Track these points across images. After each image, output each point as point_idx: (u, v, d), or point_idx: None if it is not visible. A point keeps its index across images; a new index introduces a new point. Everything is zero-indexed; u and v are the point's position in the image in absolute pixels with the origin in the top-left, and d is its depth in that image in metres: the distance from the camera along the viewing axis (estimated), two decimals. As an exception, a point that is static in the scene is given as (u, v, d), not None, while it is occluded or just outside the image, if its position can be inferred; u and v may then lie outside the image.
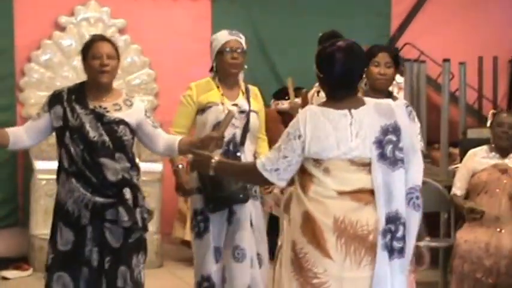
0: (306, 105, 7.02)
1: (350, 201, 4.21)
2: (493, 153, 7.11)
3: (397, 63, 5.73)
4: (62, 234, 5.49)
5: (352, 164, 4.23)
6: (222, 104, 6.16)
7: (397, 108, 4.34)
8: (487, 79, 10.48)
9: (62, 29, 9.34)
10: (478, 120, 10.14)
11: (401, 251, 4.22)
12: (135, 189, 5.57)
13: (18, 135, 5.52)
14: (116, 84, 5.72)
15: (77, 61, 9.04)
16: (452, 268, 6.84)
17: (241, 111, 6.19)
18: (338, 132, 4.22)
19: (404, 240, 4.23)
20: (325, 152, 4.21)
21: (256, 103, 6.35)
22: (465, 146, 8.29)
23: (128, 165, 5.55)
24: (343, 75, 4.30)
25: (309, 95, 7.81)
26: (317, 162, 4.24)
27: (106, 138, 5.45)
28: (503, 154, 7.08)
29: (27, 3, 9.20)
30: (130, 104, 5.61)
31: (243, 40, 6.25)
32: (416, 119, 5.60)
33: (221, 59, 6.19)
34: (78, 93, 5.57)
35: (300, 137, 4.23)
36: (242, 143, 6.18)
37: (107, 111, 5.50)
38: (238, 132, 6.16)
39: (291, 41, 9.94)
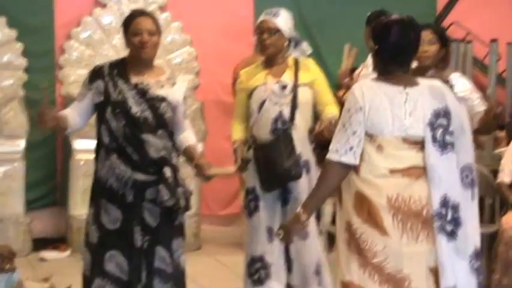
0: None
1: (401, 178, 4.29)
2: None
3: (444, 40, 5.80)
4: (109, 212, 5.45)
5: (404, 141, 4.30)
6: (265, 83, 6.17)
7: (447, 92, 4.40)
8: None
9: (103, 6, 9.25)
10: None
11: (452, 234, 4.28)
12: (175, 169, 5.52)
13: (73, 118, 5.50)
14: (156, 63, 5.63)
15: (117, 39, 9.08)
16: (497, 255, 6.74)
17: (284, 87, 6.16)
18: (393, 108, 4.27)
19: (456, 223, 4.28)
20: (380, 125, 4.28)
21: (309, 75, 6.27)
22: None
23: (169, 143, 5.51)
24: (398, 47, 4.37)
25: (355, 74, 7.73)
26: (371, 138, 4.30)
27: (149, 114, 5.41)
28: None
29: (68, -19, 9.10)
30: (173, 83, 5.56)
31: (278, 19, 6.18)
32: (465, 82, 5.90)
33: (257, 40, 6.26)
34: (120, 68, 5.53)
35: (361, 108, 4.27)
36: (291, 119, 6.15)
37: (149, 88, 5.46)
38: (286, 109, 6.13)
39: (336, 20, 9.83)
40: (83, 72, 8.97)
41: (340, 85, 8.28)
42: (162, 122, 5.47)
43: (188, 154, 5.63)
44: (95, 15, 9.20)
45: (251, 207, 6.24)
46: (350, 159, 4.28)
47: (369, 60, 7.31)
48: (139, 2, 9.16)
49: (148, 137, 5.41)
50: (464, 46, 9.24)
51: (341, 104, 6.98)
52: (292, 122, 6.14)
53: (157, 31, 5.52)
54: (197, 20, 9.40)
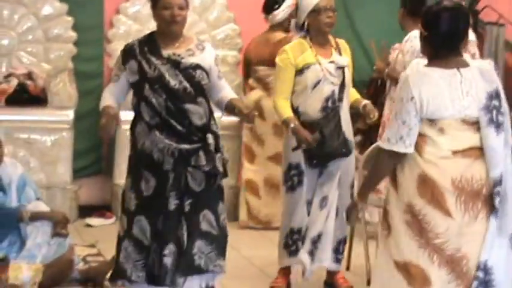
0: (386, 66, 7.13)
1: (462, 158, 4.35)
2: None
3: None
4: (148, 180, 5.59)
5: (463, 123, 4.38)
6: (319, 63, 6.20)
7: (495, 72, 4.48)
8: None
9: (152, -20, 9.31)
10: None
11: (498, 212, 4.35)
12: (216, 135, 5.64)
13: (114, 103, 5.62)
14: (186, 33, 5.76)
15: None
16: None
17: (339, 67, 6.24)
18: (451, 90, 4.34)
19: (503, 200, 4.35)
20: (440, 110, 4.35)
21: (347, 56, 6.39)
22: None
23: (208, 109, 5.62)
24: (448, 34, 4.42)
25: (391, 58, 7.78)
26: (432, 122, 4.37)
27: (186, 84, 5.52)
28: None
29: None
30: (202, 48, 5.66)
31: None
32: None
33: (315, 18, 6.22)
34: (150, 44, 5.61)
35: (412, 98, 4.33)
36: (340, 98, 6.25)
37: (182, 58, 5.54)
38: (337, 89, 6.22)
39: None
40: (130, 46, 9.22)
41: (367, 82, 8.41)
42: (200, 89, 5.58)
43: (231, 106, 5.68)
44: (144, -11, 9.33)
45: (294, 182, 6.27)
46: (400, 148, 4.36)
47: (405, 46, 7.40)
48: (190, -23, 9.30)
49: (190, 106, 5.51)
50: (497, 29, 9.25)
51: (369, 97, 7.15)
52: (341, 102, 6.24)
53: (186, 5, 5.57)
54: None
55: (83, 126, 9.02)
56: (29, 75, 8.74)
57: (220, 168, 5.64)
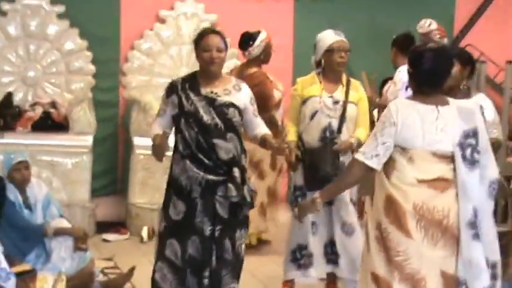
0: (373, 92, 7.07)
1: (427, 188, 4.30)
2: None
3: (464, 60, 5.64)
4: (176, 205, 5.49)
5: (434, 155, 4.31)
6: (320, 96, 6.16)
7: (477, 112, 4.41)
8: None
9: (162, 21, 9.30)
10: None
11: (478, 236, 4.27)
12: (243, 169, 5.53)
13: (157, 131, 5.49)
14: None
15: (174, 50, 9.19)
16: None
17: (336, 102, 6.15)
18: (425, 125, 4.29)
19: (481, 230, 4.28)
20: (412, 140, 4.29)
21: (357, 95, 6.28)
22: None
23: (238, 145, 5.51)
24: (431, 72, 4.36)
25: (384, 90, 7.74)
26: (404, 150, 4.32)
27: (218, 120, 5.41)
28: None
29: (133, 0, 9.19)
30: (239, 89, 5.55)
31: (346, 41, 6.24)
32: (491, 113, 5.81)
33: (329, 57, 6.18)
34: (192, 82, 5.53)
35: (394, 124, 4.29)
36: (339, 130, 6.15)
37: (218, 96, 5.45)
38: (335, 122, 6.13)
39: (365, 39, 9.66)
40: (143, 79, 9.15)
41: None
42: (231, 125, 5.46)
43: (264, 140, 5.57)
44: (155, 29, 9.26)
45: (299, 202, 6.09)
46: (373, 164, 4.34)
47: (396, 77, 7.34)
48: (193, 19, 9.21)
49: (218, 141, 5.41)
50: (479, 66, 9.20)
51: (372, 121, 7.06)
52: (339, 133, 6.14)
53: (224, 48, 5.51)
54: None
55: (101, 151, 8.98)
56: (53, 104, 8.70)
57: (248, 199, 5.55)
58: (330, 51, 6.16)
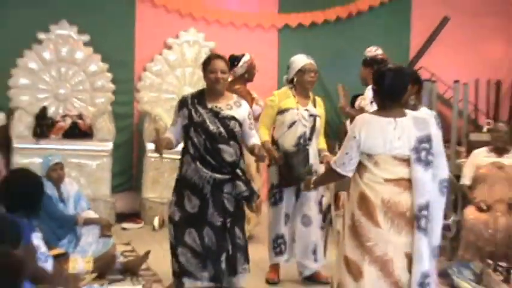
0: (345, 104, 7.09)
1: (393, 186, 4.32)
2: (492, 153, 6.98)
3: (415, 80, 5.61)
4: (190, 200, 5.50)
5: (394, 159, 4.33)
6: (297, 108, 6.14)
7: (431, 121, 4.43)
8: (481, 96, 10.34)
9: (169, 47, 9.29)
10: (474, 126, 9.93)
11: (427, 230, 4.28)
12: (243, 171, 5.58)
13: (174, 140, 5.58)
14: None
15: (179, 71, 9.19)
16: (461, 237, 6.68)
17: (311, 115, 6.17)
18: (384, 134, 4.31)
19: (430, 222, 4.29)
20: (374, 148, 4.31)
21: (320, 110, 6.32)
22: (469, 145, 8.37)
23: (238, 151, 5.55)
24: (391, 89, 4.38)
25: (356, 104, 7.69)
26: (369, 156, 4.34)
27: (222, 129, 5.45)
28: (500, 154, 6.92)
29: (145, 30, 9.18)
30: (239, 105, 5.60)
31: (314, 64, 6.25)
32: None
33: (301, 76, 6.18)
34: (199, 98, 5.57)
35: (354, 137, 4.33)
36: (310, 138, 6.16)
37: (221, 110, 5.49)
38: (308, 131, 6.13)
39: (333, 61, 9.73)
40: (154, 95, 9.16)
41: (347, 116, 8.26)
42: (232, 134, 5.50)
43: (251, 149, 5.60)
44: (164, 54, 9.26)
45: (276, 198, 6.18)
46: (342, 171, 4.41)
47: (366, 93, 7.33)
48: (195, 46, 9.22)
49: (223, 146, 5.45)
50: (430, 85, 9.23)
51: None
52: (310, 141, 6.15)
53: (227, 70, 5.55)
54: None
55: (119, 154, 8.96)
56: (80, 116, 8.68)
57: (255, 194, 5.63)
58: (302, 71, 6.17)
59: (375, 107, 4.94)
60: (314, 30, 9.83)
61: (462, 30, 10.31)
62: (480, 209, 6.68)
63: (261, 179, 7.85)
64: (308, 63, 6.20)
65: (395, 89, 4.41)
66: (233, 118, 5.52)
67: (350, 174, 4.40)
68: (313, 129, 6.16)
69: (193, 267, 5.58)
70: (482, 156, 6.99)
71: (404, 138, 4.30)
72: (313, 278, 6.31)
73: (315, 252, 6.23)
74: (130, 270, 6.17)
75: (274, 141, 6.20)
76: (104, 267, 5.95)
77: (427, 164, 4.28)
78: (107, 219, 6.72)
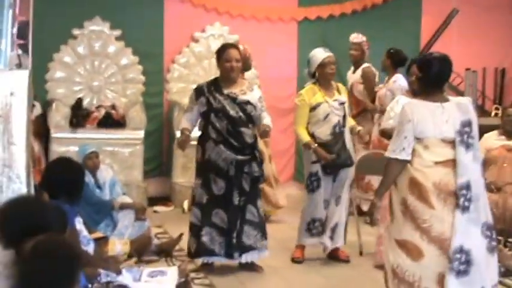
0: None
1: (442, 168, 4.26)
2: (502, 136, 6.94)
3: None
4: (216, 182, 5.54)
5: (442, 141, 4.29)
6: (326, 102, 6.09)
7: (470, 106, 4.38)
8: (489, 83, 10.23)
9: (196, 40, 9.26)
10: (481, 112, 9.84)
11: (467, 208, 4.20)
12: (260, 152, 5.68)
13: (190, 126, 5.66)
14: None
15: (205, 63, 9.17)
16: None
17: (341, 103, 6.13)
18: (434, 118, 4.27)
19: (471, 200, 4.21)
20: (425, 132, 4.27)
21: (345, 95, 6.29)
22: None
23: (255, 132, 5.59)
24: (438, 76, 4.35)
25: (380, 94, 7.70)
26: (419, 140, 4.29)
27: (241, 114, 5.53)
28: (509, 137, 6.88)
29: (173, 24, 9.14)
30: (251, 90, 5.68)
31: (333, 56, 6.21)
32: None
33: (322, 70, 6.13)
34: (215, 85, 5.62)
35: (410, 121, 4.26)
36: (344, 125, 6.15)
37: (237, 95, 5.55)
38: (341, 119, 6.11)
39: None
40: (182, 85, 9.14)
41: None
42: (250, 118, 5.58)
43: (258, 127, 5.67)
44: (191, 47, 9.23)
45: (314, 185, 6.12)
46: (403, 156, 4.29)
47: (394, 85, 7.35)
48: (220, 39, 9.16)
49: (243, 129, 5.52)
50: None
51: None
52: (344, 127, 6.14)
53: (240, 58, 5.61)
54: (259, 52, 8.88)
55: (150, 141, 8.97)
56: (113, 106, 8.69)
57: (264, 176, 5.76)
58: (322, 65, 6.11)
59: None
60: (331, 22, 9.75)
61: (470, 22, 10.19)
62: (490, 190, 6.64)
63: (269, 164, 7.77)
64: (327, 56, 6.15)
65: (442, 76, 4.39)
66: (249, 102, 5.57)
67: (410, 158, 4.29)
68: (345, 116, 6.16)
69: (217, 245, 5.64)
70: (492, 139, 6.93)
71: (451, 122, 4.27)
72: (335, 257, 6.32)
73: (333, 231, 6.21)
74: (164, 252, 6.17)
75: (310, 135, 6.11)
76: (140, 249, 5.97)
77: (468, 146, 4.25)
78: (141, 203, 6.75)
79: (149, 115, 8.86)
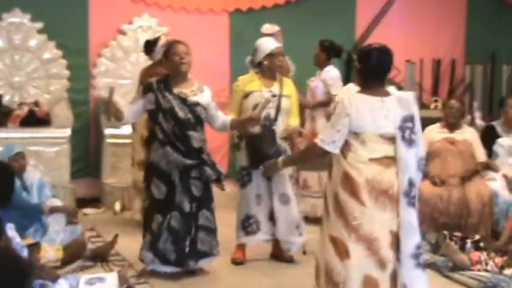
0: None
1: (377, 165, 4.22)
2: (444, 129, 7.03)
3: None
4: (157, 186, 5.43)
5: (381, 137, 4.23)
6: (260, 91, 6.02)
7: (412, 101, 4.30)
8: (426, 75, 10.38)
9: (124, 33, 9.11)
10: (420, 105, 9.92)
11: (415, 204, 4.25)
12: (208, 155, 5.55)
13: (127, 114, 5.50)
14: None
15: (133, 57, 8.99)
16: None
17: (274, 95, 6.03)
18: (373, 113, 4.19)
19: (415, 198, 4.24)
20: (363, 126, 4.20)
21: (289, 90, 6.16)
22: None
23: (204, 136, 5.51)
24: (377, 68, 4.25)
25: (312, 86, 7.75)
26: (357, 135, 4.22)
27: (190, 116, 5.40)
28: (451, 129, 6.98)
29: (99, 15, 8.92)
30: (202, 90, 5.55)
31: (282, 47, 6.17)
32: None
33: (270, 60, 6.05)
34: (165, 83, 5.48)
35: (348, 114, 4.18)
36: (275, 119, 6.03)
37: (187, 96, 5.42)
38: (272, 112, 6.00)
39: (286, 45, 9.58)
40: (109, 80, 8.96)
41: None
42: (199, 120, 5.47)
43: (236, 122, 5.62)
44: (118, 40, 9.07)
45: (245, 180, 6.06)
46: (331, 148, 4.25)
47: (326, 75, 7.37)
48: (149, 31, 9.02)
49: (191, 133, 5.41)
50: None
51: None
52: (276, 121, 6.03)
53: (190, 53, 5.48)
54: (190, 44, 8.97)
55: (77, 140, 8.73)
56: (36, 103, 8.46)
57: (223, 175, 5.63)
58: (271, 55, 6.04)
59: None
60: (264, 13, 9.70)
61: (407, 12, 10.36)
62: (435, 183, 6.72)
63: None
64: (277, 46, 6.09)
65: (382, 68, 4.29)
66: (199, 104, 5.47)
67: (336, 151, 4.26)
68: (278, 109, 6.04)
69: (157, 253, 5.52)
70: (435, 132, 7.02)
71: (391, 117, 4.21)
72: (278, 256, 6.27)
73: (298, 227, 6.14)
74: (99, 256, 5.99)
75: None
76: (74, 254, 5.79)
77: (411, 142, 4.21)
78: (72, 206, 6.60)
79: (75, 112, 8.63)
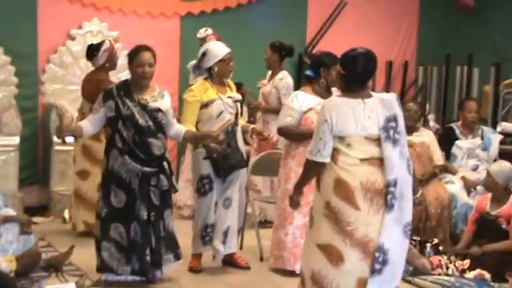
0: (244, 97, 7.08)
1: (368, 166, 4.29)
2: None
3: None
4: (116, 194, 5.43)
5: (366, 139, 4.31)
6: (220, 98, 6.07)
7: (394, 102, 4.40)
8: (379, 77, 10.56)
9: (73, 38, 9.11)
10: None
11: (393, 207, 4.27)
12: (169, 162, 5.56)
13: (86, 127, 5.47)
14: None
15: (83, 62, 8.97)
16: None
17: (236, 101, 6.15)
18: (356, 115, 4.28)
19: (396, 198, 4.28)
20: (347, 130, 4.27)
21: (237, 93, 6.34)
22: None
23: (165, 143, 5.53)
24: (363, 73, 4.36)
25: (265, 90, 7.85)
26: (341, 139, 4.30)
27: (151, 123, 5.41)
28: (409, 132, 7.11)
29: (48, 21, 8.89)
30: (162, 96, 5.57)
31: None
32: None
33: (222, 66, 6.09)
34: (125, 89, 5.48)
35: (326, 121, 4.27)
36: (236, 124, 6.15)
37: (148, 102, 5.43)
38: (233, 117, 6.09)
39: (237, 47, 9.66)
40: (58, 87, 8.98)
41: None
42: (160, 127, 5.49)
43: (190, 136, 5.67)
44: (67, 45, 9.07)
45: (206, 188, 6.07)
46: (319, 158, 4.31)
47: (280, 83, 7.52)
48: (99, 36, 9.03)
49: (152, 140, 5.42)
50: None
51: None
52: (237, 126, 6.15)
53: (154, 62, 5.50)
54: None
55: (25, 148, 8.71)
56: (-17, 111, 8.39)
57: (176, 186, 5.66)
58: (223, 61, 6.09)
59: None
60: (216, 17, 9.78)
61: (359, 14, 10.51)
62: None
63: None
64: (228, 52, 6.15)
65: (368, 73, 4.42)
66: (160, 110, 5.50)
67: (328, 160, 4.32)
68: (237, 114, 6.15)
69: (115, 262, 5.56)
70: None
71: (374, 118, 4.30)
72: (233, 263, 6.37)
73: (225, 234, 6.21)
74: (54, 267, 6.01)
75: None
76: (28, 265, 5.78)
77: (395, 142, 4.29)
78: (26, 215, 6.52)
79: (24, 119, 8.62)
